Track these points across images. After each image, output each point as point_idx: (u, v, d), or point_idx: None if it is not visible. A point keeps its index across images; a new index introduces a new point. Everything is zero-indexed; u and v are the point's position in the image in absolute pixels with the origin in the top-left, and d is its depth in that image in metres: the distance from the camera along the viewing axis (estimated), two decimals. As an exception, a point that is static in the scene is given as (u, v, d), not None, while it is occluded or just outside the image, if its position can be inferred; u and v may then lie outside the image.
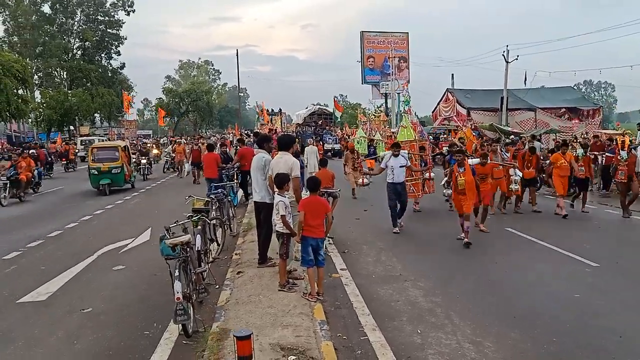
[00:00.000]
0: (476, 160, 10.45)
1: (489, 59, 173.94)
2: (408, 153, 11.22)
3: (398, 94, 40.10)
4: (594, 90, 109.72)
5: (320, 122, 42.54)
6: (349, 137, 38.30)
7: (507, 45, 35.62)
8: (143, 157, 23.40)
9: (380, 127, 35.76)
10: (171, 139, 41.31)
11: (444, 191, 12.18)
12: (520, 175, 11.65)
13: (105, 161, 17.24)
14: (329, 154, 32.34)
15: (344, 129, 46.03)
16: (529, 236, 9.61)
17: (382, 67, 49.33)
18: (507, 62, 35.23)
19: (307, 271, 6.26)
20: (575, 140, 20.42)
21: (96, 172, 17.18)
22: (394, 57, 45.89)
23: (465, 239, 8.85)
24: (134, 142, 32.74)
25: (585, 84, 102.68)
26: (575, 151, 12.83)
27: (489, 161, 10.57)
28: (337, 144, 36.26)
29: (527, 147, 14.33)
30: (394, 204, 10.09)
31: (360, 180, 10.90)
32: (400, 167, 10.02)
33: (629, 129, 28.26)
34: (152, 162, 25.09)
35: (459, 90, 42.55)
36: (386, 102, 46.71)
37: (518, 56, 35.20)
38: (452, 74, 49.52)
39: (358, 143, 26.34)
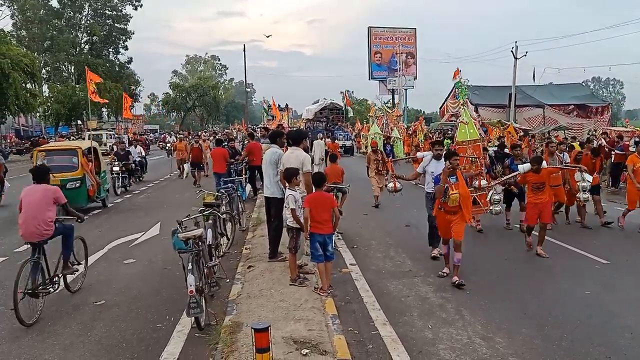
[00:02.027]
0: (527, 166, 8.29)
1: (497, 56, 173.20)
2: (472, 158, 9.11)
3: (405, 90, 40.03)
4: (603, 87, 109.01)
5: (331, 118, 40.87)
6: (359, 134, 36.76)
7: (516, 42, 35.45)
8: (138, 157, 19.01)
9: (396, 123, 32.65)
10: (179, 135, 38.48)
11: (493, 207, 8.99)
12: (590, 182, 8.74)
13: (56, 171, 10.83)
14: (341, 150, 30.68)
15: (356, 125, 43.58)
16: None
17: (390, 62, 49.21)
18: (516, 58, 35.05)
19: (317, 266, 6.29)
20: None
21: None
22: (402, 52, 45.78)
23: (455, 277, 6.59)
24: (135, 139, 29.38)
25: (593, 80, 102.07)
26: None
27: (545, 165, 8.28)
28: (349, 141, 34.82)
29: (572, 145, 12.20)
30: (433, 219, 7.60)
31: (392, 185, 8.21)
32: None
33: (638, 126, 28.12)
34: (145, 162, 20.49)
35: (466, 86, 42.34)
36: (393, 98, 46.61)
37: (527, 52, 35.10)
38: (460, 70, 49.32)
39: (372, 139, 22.62)
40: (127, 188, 16.61)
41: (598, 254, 8.02)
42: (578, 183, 8.53)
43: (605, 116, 37.34)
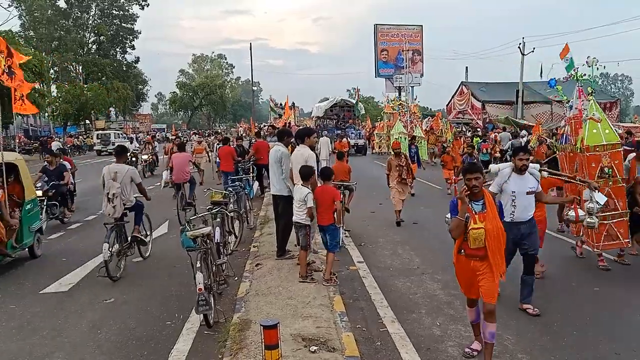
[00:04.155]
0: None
1: (504, 52, 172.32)
2: (608, 171, 6.84)
3: (412, 87, 39.84)
4: (611, 83, 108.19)
5: (342, 115, 38.77)
6: (372, 133, 34.32)
7: (523, 38, 35.29)
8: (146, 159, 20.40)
9: (419, 120, 29.37)
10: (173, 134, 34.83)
11: (586, 219, 6.42)
12: (602, 204, 6.47)
13: None
14: (353, 149, 29.38)
15: (366, 123, 41.26)
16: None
17: (396, 60, 49.01)
18: (523, 54, 34.93)
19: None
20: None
21: None
22: (408, 50, 45.57)
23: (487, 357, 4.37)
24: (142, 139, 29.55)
25: (602, 76, 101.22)
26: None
27: (544, 175, 6.38)
28: (362, 139, 33.11)
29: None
30: (507, 258, 5.07)
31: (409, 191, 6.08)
32: (529, 193, 5.57)
33: (647, 122, 27.85)
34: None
35: (473, 83, 42.27)
36: (400, 96, 46.49)
37: (534, 49, 34.90)
38: (467, 67, 49.16)
39: (396, 140, 18.29)
40: (63, 220, 11.34)
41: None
42: (585, 203, 6.43)
43: (613, 112, 37.09)
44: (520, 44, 35.12)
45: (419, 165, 15.81)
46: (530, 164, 5.75)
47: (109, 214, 7.41)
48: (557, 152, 7.97)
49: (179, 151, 12.28)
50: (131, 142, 27.79)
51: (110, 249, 6.93)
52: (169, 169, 11.93)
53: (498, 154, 22.00)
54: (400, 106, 29.54)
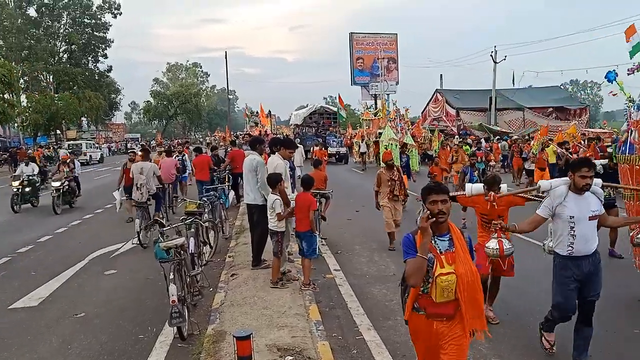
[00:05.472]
0: (477, 188, 5.43)
1: (477, 60, 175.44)
2: None
3: (387, 95, 40.17)
4: (581, 90, 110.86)
5: (322, 122, 37.68)
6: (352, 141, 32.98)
7: (495, 46, 36.04)
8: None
9: (409, 126, 26.70)
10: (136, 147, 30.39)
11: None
12: None
13: None
14: (334, 158, 29.21)
15: (348, 130, 40.06)
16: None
17: (372, 68, 49.53)
18: (495, 62, 35.66)
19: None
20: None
21: None
22: (383, 58, 46.08)
23: None
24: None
25: (571, 83, 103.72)
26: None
27: (505, 191, 5.42)
28: (343, 147, 31.72)
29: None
30: (570, 304, 4.46)
31: (495, 244, 4.72)
32: (592, 218, 4.36)
33: (616, 128, 28.67)
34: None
35: (448, 90, 42.92)
36: (375, 104, 46.86)
37: (506, 56, 35.79)
38: (441, 75, 49.92)
39: (385, 148, 17.03)
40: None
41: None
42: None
43: (583, 118, 38.08)
44: (492, 52, 35.85)
45: (409, 177, 13.85)
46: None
47: (138, 199, 9.97)
48: (620, 163, 6.38)
49: (166, 156, 14.02)
50: (18, 165, 18.71)
51: (140, 225, 9.31)
52: (121, 187, 11.51)
53: (493, 162, 21.48)
54: (395, 111, 25.76)
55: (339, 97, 41.18)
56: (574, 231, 4.29)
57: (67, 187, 14.33)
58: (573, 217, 4.29)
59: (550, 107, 39.25)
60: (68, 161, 15.21)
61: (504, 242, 4.73)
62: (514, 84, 38.04)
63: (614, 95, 6.88)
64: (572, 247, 4.33)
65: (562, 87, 51.75)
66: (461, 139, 25.66)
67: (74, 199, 14.92)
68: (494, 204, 5.15)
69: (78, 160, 17.36)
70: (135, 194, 10.09)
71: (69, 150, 32.26)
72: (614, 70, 6.75)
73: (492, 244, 4.78)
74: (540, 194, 4.97)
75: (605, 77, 6.89)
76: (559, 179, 4.74)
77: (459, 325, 3.13)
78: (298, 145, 19.10)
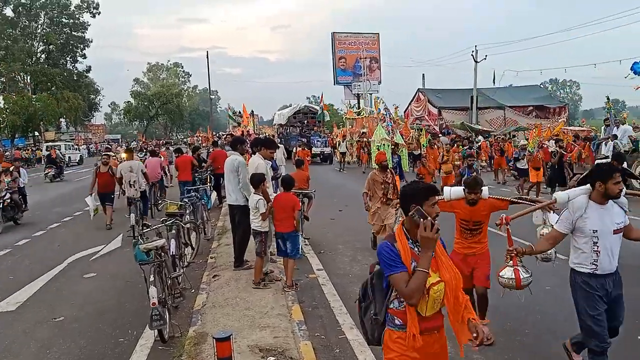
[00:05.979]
0: (457, 191, 5.03)
1: (458, 59, 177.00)
2: None
3: (370, 94, 40.28)
4: (560, 88, 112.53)
5: (306, 122, 36.84)
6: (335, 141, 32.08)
7: (476, 46, 36.34)
8: None
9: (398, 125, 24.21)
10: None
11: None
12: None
13: None
14: (318, 158, 29.12)
15: (333, 130, 39.12)
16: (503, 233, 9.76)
17: (354, 67, 49.63)
18: (476, 61, 35.94)
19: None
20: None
21: None
22: (366, 57, 46.20)
23: None
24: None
25: (551, 82, 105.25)
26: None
27: (486, 195, 5.05)
28: (327, 147, 31.30)
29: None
30: (602, 328, 3.90)
31: (511, 273, 4.22)
32: (617, 231, 3.92)
33: (594, 126, 29.17)
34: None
35: (429, 90, 43.15)
36: (359, 103, 46.96)
37: (487, 56, 36.01)
38: (423, 74, 50.27)
39: (377, 149, 16.89)
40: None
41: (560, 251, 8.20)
42: (537, 229, 5.07)
43: (562, 116, 38.60)
44: (473, 51, 36.15)
45: (402, 178, 12.90)
46: None
47: (132, 195, 10.66)
48: None
49: (151, 156, 14.65)
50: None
51: (135, 218, 9.98)
52: (94, 193, 11.19)
53: (484, 162, 21.48)
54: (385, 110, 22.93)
55: (322, 98, 40.61)
56: (597, 247, 3.84)
57: (9, 200, 12.00)
58: (596, 230, 3.83)
59: (531, 106, 39.72)
60: (11, 169, 13.02)
61: (520, 271, 4.18)
62: (494, 83, 38.35)
63: (637, 89, 6.60)
64: (595, 264, 3.86)
65: (541, 86, 52.42)
66: (456, 140, 24.06)
67: (19, 214, 12.55)
68: (507, 226, 4.51)
69: (25, 169, 15.03)
70: (129, 191, 10.70)
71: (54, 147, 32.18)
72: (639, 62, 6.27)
73: (508, 273, 4.24)
74: (539, 200, 4.87)
75: (632, 69, 6.56)
76: (575, 188, 4.23)
77: (439, 342, 2.84)
78: (279, 145, 19.09)
